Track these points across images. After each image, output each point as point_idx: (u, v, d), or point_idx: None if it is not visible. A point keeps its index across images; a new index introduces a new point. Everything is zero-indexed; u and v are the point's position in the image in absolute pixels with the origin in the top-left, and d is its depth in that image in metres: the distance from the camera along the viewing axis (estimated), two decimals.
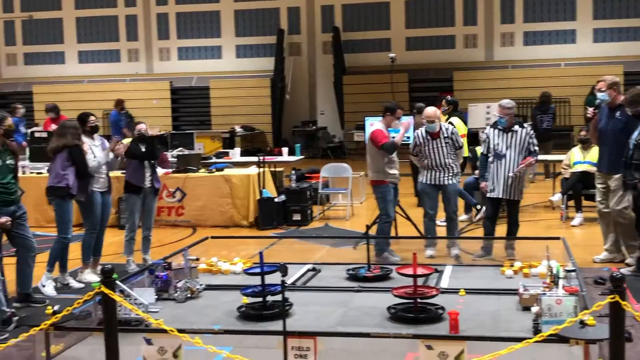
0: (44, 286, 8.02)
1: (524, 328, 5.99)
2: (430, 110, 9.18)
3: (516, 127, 8.76)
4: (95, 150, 8.39)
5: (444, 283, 7.50)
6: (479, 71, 22.84)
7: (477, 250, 9.06)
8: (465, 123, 11.95)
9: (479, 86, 22.19)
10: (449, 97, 11.71)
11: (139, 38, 25.46)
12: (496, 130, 8.81)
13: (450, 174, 9.10)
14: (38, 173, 12.11)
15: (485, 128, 11.03)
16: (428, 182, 9.15)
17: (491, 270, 8.17)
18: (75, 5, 25.70)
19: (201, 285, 7.52)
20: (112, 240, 10.61)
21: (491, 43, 23.42)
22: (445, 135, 9.09)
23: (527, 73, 22.25)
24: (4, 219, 6.80)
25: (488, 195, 8.87)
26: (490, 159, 8.84)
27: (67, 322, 5.89)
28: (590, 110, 8.88)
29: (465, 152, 11.39)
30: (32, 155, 13.05)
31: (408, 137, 9.87)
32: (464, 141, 11.29)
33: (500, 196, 8.77)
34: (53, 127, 13.47)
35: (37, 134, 14.51)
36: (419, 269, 6.59)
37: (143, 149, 8.91)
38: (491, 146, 8.81)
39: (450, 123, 11.13)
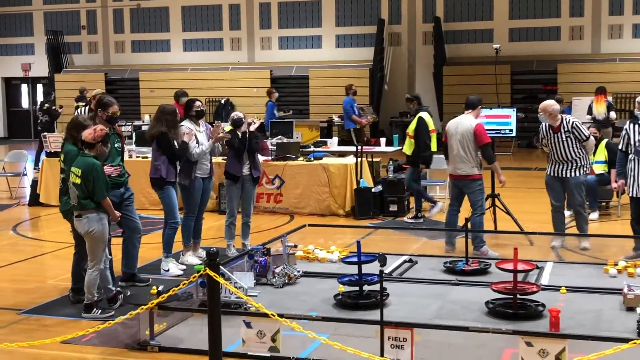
0: (167, 270, 8.27)
1: (628, 329, 5.84)
2: (542, 104, 9.01)
3: None
4: (199, 137, 8.56)
5: (545, 280, 7.36)
6: (585, 64, 22.15)
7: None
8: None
9: (585, 79, 21.51)
10: (408, 94, 11.46)
11: (241, 27, 25.87)
12: (636, 126, 8.39)
13: (573, 167, 8.84)
14: (144, 157, 12.50)
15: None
16: (551, 174, 9.00)
17: (594, 268, 7.97)
18: None
19: (299, 271, 7.63)
20: (213, 225, 10.87)
21: (598, 35, 22.68)
22: (566, 129, 8.83)
23: (636, 66, 21.44)
24: (118, 214, 7.06)
25: (630, 195, 8.46)
26: (631, 156, 8.41)
27: (170, 303, 6.10)
28: None
29: (435, 147, 11.17)
30: (137, 139, 13.48)
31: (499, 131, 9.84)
32: (434, 136, 11.08)
33: (631, 194, 8.36)
34: None
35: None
36: (520, 264, 6.49)
37: (241, 134, 8.95)
38: (632, 142, 8.38)
39: (421, 118, 10.93)
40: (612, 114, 15.60)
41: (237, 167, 8.92)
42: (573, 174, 8.86)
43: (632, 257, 8.30)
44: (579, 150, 8.84)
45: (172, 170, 8.19)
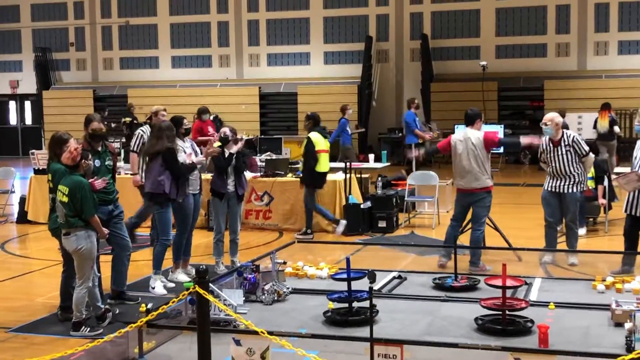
0: (153, 288, 8.25)
1: (616, 345, 5.85)
2: (548, 115, 9.05)
3: None
4: (187, 152, 8.58)
5: (533, 296, 7.38)
6: (571, 80, 22.34)
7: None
8: (327, 138, 11.59)
9: (571, 96, 21.71)
10: (309, 112, 11.60)
11: (230, 44, 25.95)
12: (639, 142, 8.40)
13: (571, 183, 8.92)
14: (132, 174, 12.43)
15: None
16: (549, 189, 9.04)
17: (582, 284, 7.99)
18: (169, 11, 26.42)
19: (288, 288, 7.61)
20: (201, 242, 10.85)
21: (584, 52, 22.89)
22: (566, 143, 8.90)
23: (622, 83, 21.63)
24: (106, 231, 7.06)
25: (624, 211, 8.48)
26: None
27: (159, 320, 6.08)
28: None
29: (325, 167, 11.15)
30: (126, 156, 13.44)
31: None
32: (323, 157, 11.01)
33: (627, 212, 8.37)
34: (211, 130, 13.98)
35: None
36: (508, 280, 6.51)
37: (228, 153, 8.96)
38: (633, 157, 8.40)
39: (309, 139, 11.00)
40: (616, 128, 16.82)
41: (221, 183, 8.94)
42: (570, 190, 8.93)
43: (619, 273, 8.33)
44: (578, 166, 8.91)
45: (175, 187, 8.20)
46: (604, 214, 11.53)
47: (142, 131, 9.95)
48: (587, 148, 9.01)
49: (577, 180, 8.93)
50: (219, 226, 9.08)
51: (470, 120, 9.07)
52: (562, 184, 8.94)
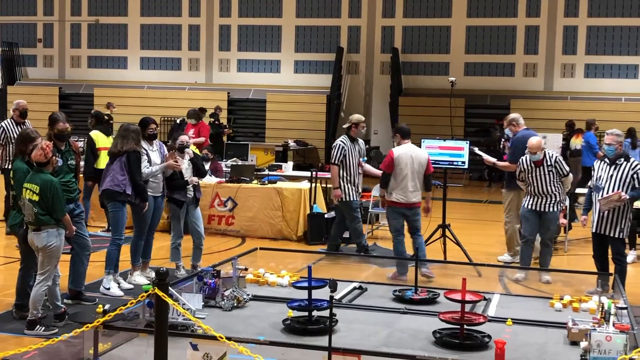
0: (108, 289, 8.15)
1: None
2: (534, 140, 9.08)
3: (621, 160, 8.32)
4: (152, 156, 8.52)
5: (492, 311, 7.44)
6: (538, 101, 22.63)
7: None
8: (110, 136, 11.35)
9: (537, 116, 21.93)
10: (94, 111, 11.54)
11: (200, 48, 25.87)
12: (602, 163, 8.46)
13: (552, 202, 9.04)
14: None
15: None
16: (529, 207, 9.13)
17: (540, 302, 8.07)
18: (141, 12, 26.25)
19: (248, 295, 7.59)
20: (163, 245, 10.75)
21: (551, 73, 23.22)
22: (549, 163, 9.01)
23: (587, 105, 21.95)
24: (74, 228, 6.99)
25: (592, 230, 8.52)
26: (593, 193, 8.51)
27: (116, 322, 6.01)
28: None
29: (100, 164, 10.34)
30: None
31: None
32: (103, 154, 10.38)
33: (595, 230, 8.43)
34: (191, 132, 13.73)
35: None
36: (468, 295, 6.55)
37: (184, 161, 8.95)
38: (594, 178, 8.49)
39: (90, 136, 10.77)
40: None
41: (181, 192, 8.88)
42: (551, 209, 9.06)
43: (593, 292, 8.28)
44: (558, 185, 9.05)
45: (131, 187, 8.17)
46: (564, 234, 11.66)
47: (343, 142, 10.10)
48: (567, 168, 9.16)
49: (558, 199, 9.07)
50: (180, 231, 9.04)
51: (409, 134, 9.36)
52: (543, 202, 9.04)
